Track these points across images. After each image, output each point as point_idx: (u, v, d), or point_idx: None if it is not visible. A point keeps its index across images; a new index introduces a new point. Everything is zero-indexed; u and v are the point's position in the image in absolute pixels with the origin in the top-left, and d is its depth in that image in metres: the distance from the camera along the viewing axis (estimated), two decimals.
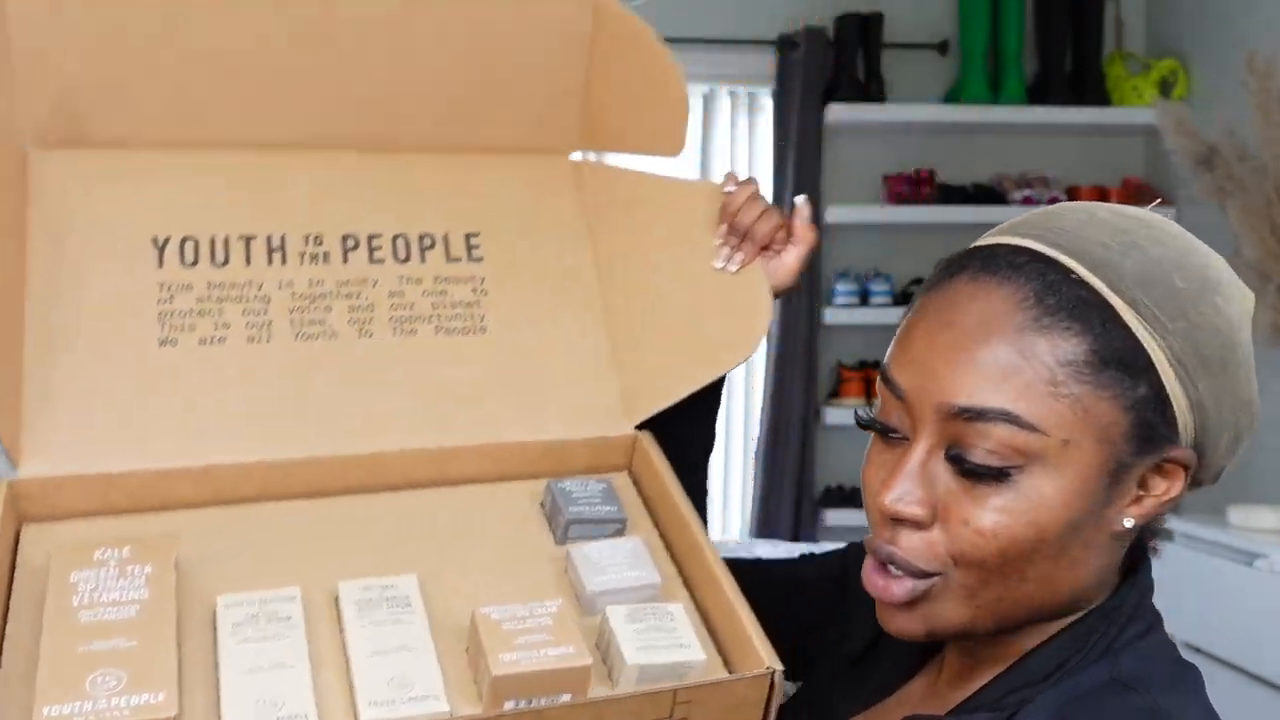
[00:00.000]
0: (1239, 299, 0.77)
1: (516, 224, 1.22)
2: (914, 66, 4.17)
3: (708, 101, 4.15)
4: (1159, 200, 0.86)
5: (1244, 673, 2.78)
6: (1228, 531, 2.94)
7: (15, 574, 0.94)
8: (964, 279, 0.78)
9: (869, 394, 4.02)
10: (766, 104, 4.14)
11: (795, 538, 3.92)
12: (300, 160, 1.16)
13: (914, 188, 4.03)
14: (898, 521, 0.77)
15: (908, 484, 0.76)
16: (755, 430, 4.09)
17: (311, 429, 1.07)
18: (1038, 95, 4.07)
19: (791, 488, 3.99)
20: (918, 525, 0.76)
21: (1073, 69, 4.11)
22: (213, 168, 1.14)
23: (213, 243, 1.11)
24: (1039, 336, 0.72)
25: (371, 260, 1.15)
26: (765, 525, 3.99)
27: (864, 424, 0.82)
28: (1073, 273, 0.73)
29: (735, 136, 4.14)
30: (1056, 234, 0.76)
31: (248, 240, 1.12)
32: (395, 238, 1.17)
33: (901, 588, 0.77)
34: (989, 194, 4.07)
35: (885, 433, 0.80)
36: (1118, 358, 0.72)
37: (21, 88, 1.06)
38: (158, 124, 1.12)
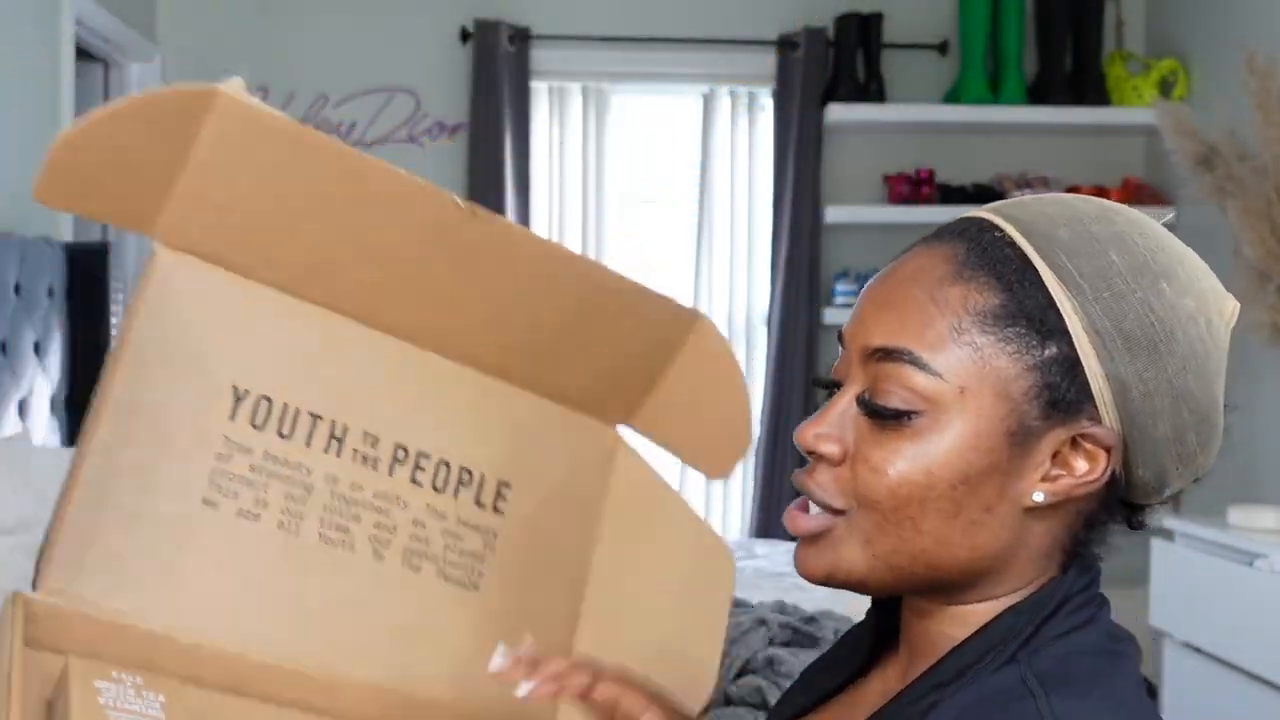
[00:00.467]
0: (1201, 297, 0.75)
1: (547, 488, 1.24)
2: (914, 67, 4.17)
3: (708, 101, 4.15)
4: (1169, 215, 0.85)
5: (1244, 673, 2.78)
6: (1228, 532, 2.94)
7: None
8: (915, 248, 0.80)
9: None
10: (767, 104, 4.15)
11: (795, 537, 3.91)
12: (392, 349, 1.17)
13: (914, 188, 4.03)
14: (816, 459, 0.78)
15: (827, 423, 0.78)
16: (755, 430, 4.09)
17: (298, 637, 1.09)
18: (1038, 95, 4.07)
19: (791, 488, 3.98)
20: (831, 462, 0.78)
21: (1073, 69, 4.11)
22: (313, 327, 1.14)
23: (284, 411, 1.12)
24: (955, 286, 0.74)
25: (413, 480, 1.17)
26: (765, 525, 3.99)
27: (817, 382, 0.83)
28: (1005, 235, 0.75)
29: (735, 136, 4.14)
30: (1012, 207, 0.78)
31: (315, 420, 1.13)
32: (440, 463, 1.19)
33: (808, 521, 0.79)
34: (989, 194, 4.07)
35: (831, 387, 0.81)
36: (1027, 314, 0.72)
37: (179, 189, 1.04)
38: (284, 269, 1.12)
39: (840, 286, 4.02)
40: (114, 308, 3.02)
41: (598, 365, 1.23)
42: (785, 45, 4.07)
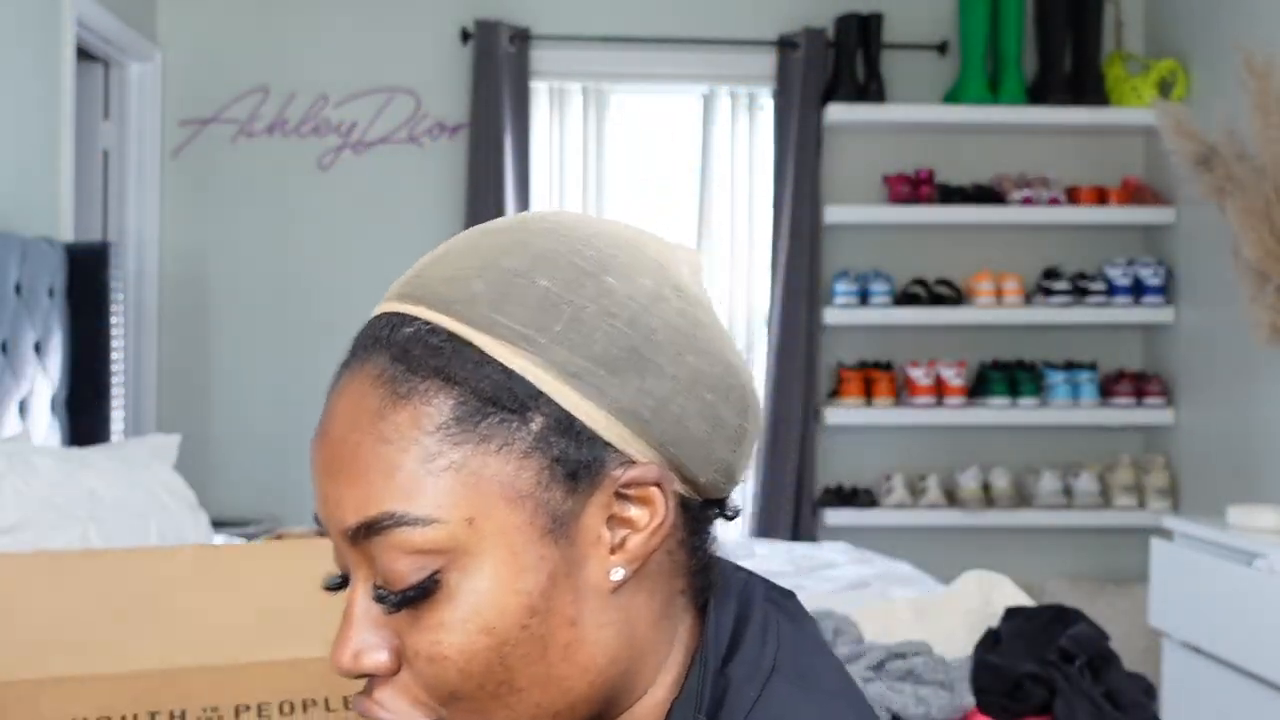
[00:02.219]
0: (656, 269, 0.66)
1: None
2: (914, 67, 4.17)
3: (708, 102, 4.15)
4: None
5: (1243, 672, 2.79)
6: (1227, 531, 2.94)
7: None
8: (343, 377, 0.65)
9: (869, 394, 4.03)
10: (766, 104, 4.15)
11: (795, 537, 3.92)
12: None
13: (914, 188, 4.03)
14: (364, 677, 0.64)
15: (358, 634, 0.63)
16: None
17: None
18: (1037, 96, 4.08)
19: (791, 487, 4.00)
20: (387, 673, 0.63)
21: (1072, 69, 4.11)
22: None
23: None
24: (399, 412, 0.61)
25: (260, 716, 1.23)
26: (765, 525, 3.99)
27: (328, 587, 0.68)
28: (423, 321, 0.62)
29: (735, 137, 4.15)
30: (414, 284, 0.65)
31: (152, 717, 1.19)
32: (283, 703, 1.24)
33: None
34: (989, 194, 4.08)
35: (340, 586, 0.67)
36: (492, 399, 0.61)
37: None
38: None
39: (840, 286, 4.02)
40: (114, 308, 3.02)
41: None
42: (785, 45, 4.08)
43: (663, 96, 4.35)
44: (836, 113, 4.00)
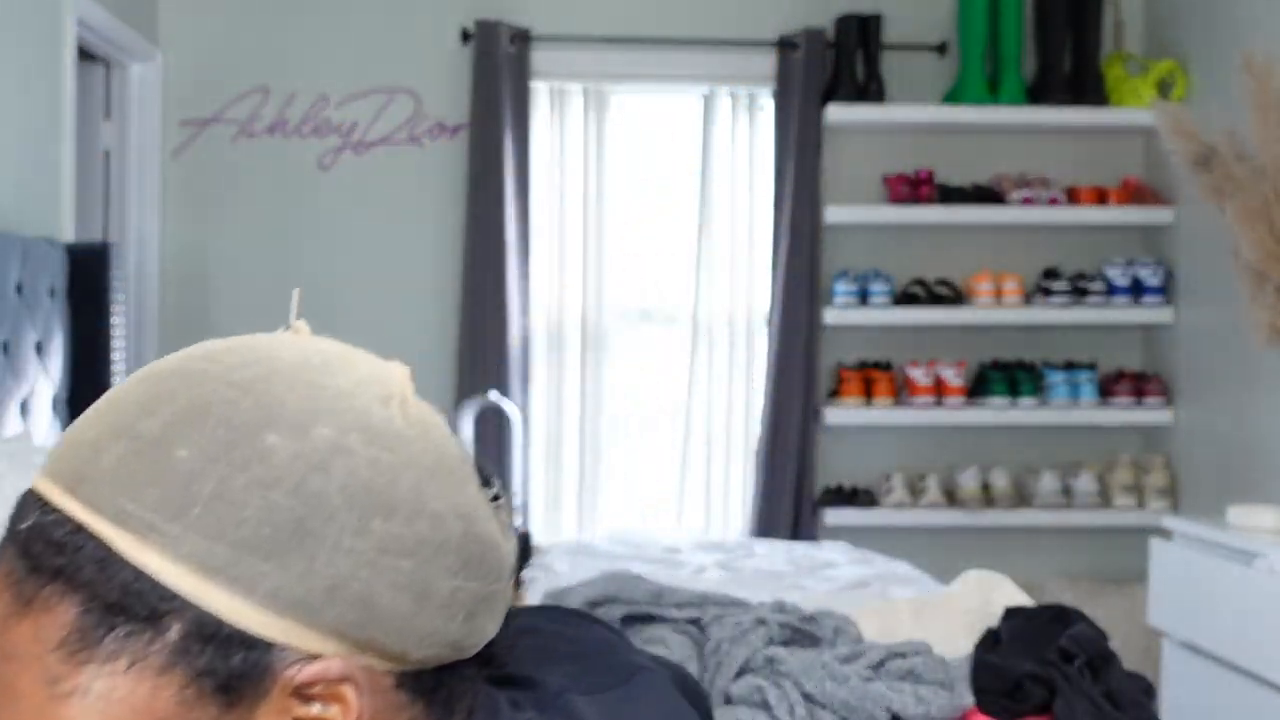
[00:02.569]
0: (336, 414, 0.53)
1: None
2: (913, 67, 4.18)
3: (708, 102, 4.15)
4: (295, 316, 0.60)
5: (1243, 672, 2.79)
6: (1227, 531, 2.94)
7: None
8: None
9: (869, 394, 4.03)
10: (767, 104, 4.15)
11: (795, 537, 3.92)
12: None
13: (913, 188, 4.04)
14: None
15: None
16: (755, 430, 4.09)
17: None
18: (1037, 96, 4.08)
19: (791, 487, 4.00)
20: None
21: (1072, 70, 4.11)
22: None
23: None
24: (21, 623, 0.51)
25: None
26: (765, 525, 3.99)
27: None
28: (50, 507, 0.52)
29: (735, 137, 4.15)
30: (59, 449, 0.55)
31: None
32: None
33: None
34: (988, 194, 4.08)
35: None
36: (120, 606, 0.50)
37: None
38: None
39: (840, 286, 4.02)
40: (115, 308, 3.02)
41: None
42: (785, 46, 4.08)
43: (663, 97, 4.35)
44: (836, 113, 4.01)
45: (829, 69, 4.09)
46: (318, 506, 0.51)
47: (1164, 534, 3.27)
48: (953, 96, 4.09)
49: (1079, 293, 4.04)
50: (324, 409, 0.53)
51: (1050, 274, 4.07)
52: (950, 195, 4.05)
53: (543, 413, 4.13)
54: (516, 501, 3.98)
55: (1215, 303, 3.74)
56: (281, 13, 4.08)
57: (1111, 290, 4.03)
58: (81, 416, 0.56)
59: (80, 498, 0.51)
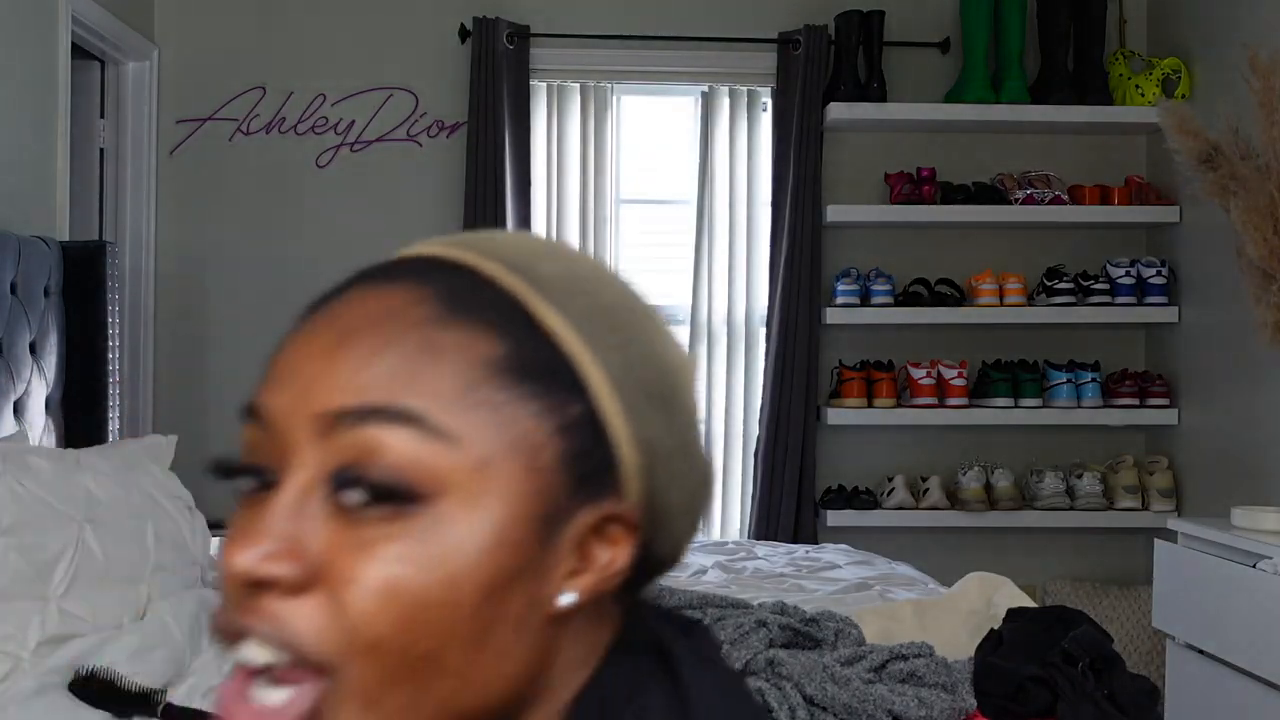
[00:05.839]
0: (676, 344, 0.64)
1: None
2: (915, 65, 4.16)
3: (708, 101, 4.13)
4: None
5: (1247, 674, 2.77)
6: (1231, 533, 2.92)
7: None
8: (353, 290, 0.60)
9: (870, 394, 4.01)
10: (767, 103, 4.13)
11: (796, 539, 3.90)
12: None
13: (915, 187, 4.02)
14: (260, 588, 0.53)
15: (270, 533, 0.53)
16: (755, 430, 4.07)
17: None
18: (1039, 94, 4.06)
19: (792, 488, 3.98)
20: (289, 590, 0.53)
21: (1075, 67, 4.09)
22: None
23: None
24: (451, 330, 0.56)
25: None
26: (765, 526, 3.97)
27: (223, 473, 0.59)
28: (482, 273, 0.59)
29: (735, 136, 4.13)
30: (467, 241, 0.62)
31: None
32: None
33: (277, 712, 0.53)
34: (990, 193, 4.06)
35: (248, 475, 0.58)
36: (543, 366, 0.57)
37: None
38: None
39: (841, 286, 4.00)
40: (110, 307, 3.01)
41: None
42: (786, 44, 4.06)
43: (663, 95, 4.33)
44: (837, 111, 3.99)
45: (830, 66, 4.07)
46: (674, 392, 0.61)
47: (1168, 535, 3.25)
48: (955, 94, 4.07)
49: (1082, 292, 4.02)
50: (671, 340, 0.64)
51: (1053, 273, 4.05)
52: (952, 194, 4.03)
53: None
54: None
55: (1219, 302, 3.72)
56: (278, 10, 4.06)
57: (1115, 290, 4.01)
58: (476, 235, 0.63)
59: (520, 277, 0.59)
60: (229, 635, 0.54)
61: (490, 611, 0.54)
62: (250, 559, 0.53)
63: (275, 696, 0.53)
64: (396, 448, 0.53)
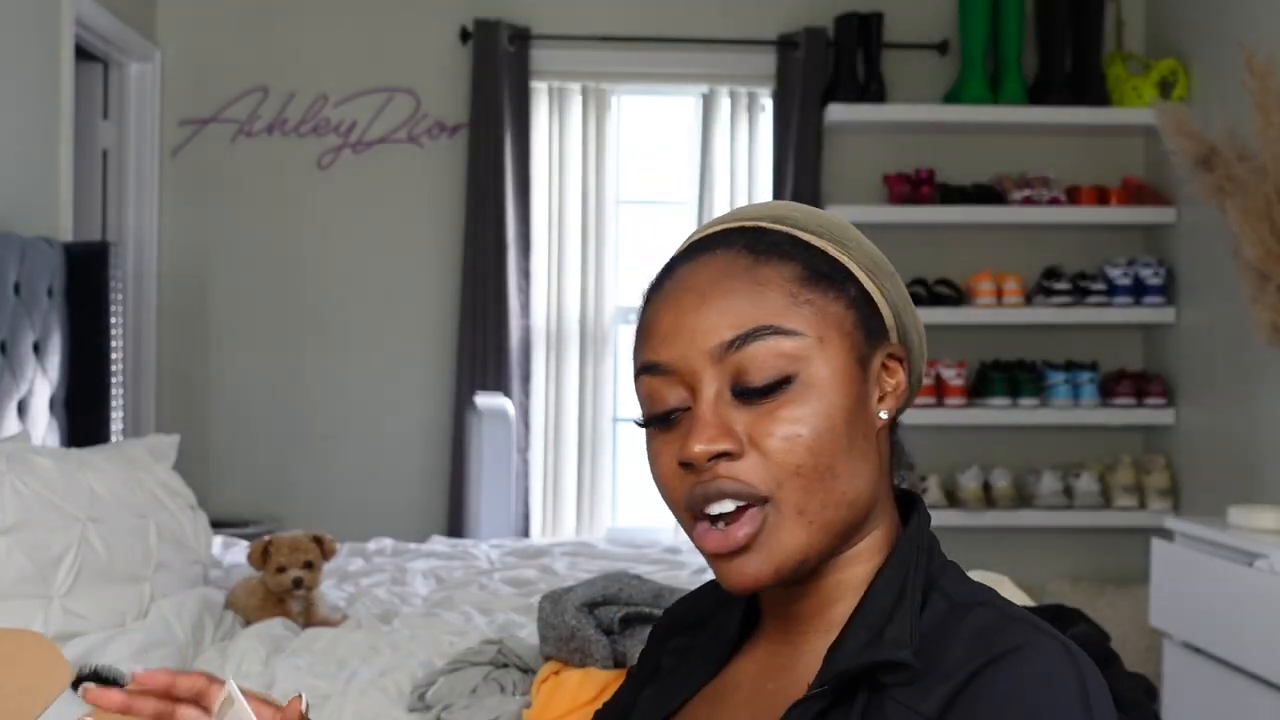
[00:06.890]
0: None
1: None
2: (914, 66, 4.17)
3: (708, 101, 4.15)
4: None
5: (1244, 673, 2.78)
6: (1228, 532, 2.94)
7: None
8: (681, 269, 0.87)
9: None
10: (767, 104, 4.14)
11: None
12: None
13: (914, 188, 4.03)
14: (714, 461, 0.81)
15: (708, 429, 0.81)
16: None
17: None
18: (1038, 95, 4.07)
19: None
20: (732, 457, 0.81)
21: (1073, 69, 4.10)
22: None
23: None
24: (763, 268, 0.84)
25: None
26: None
27: (644, 422, 0.86)
28: (763, 228, 0.87)
29: (735, 137, 4.14)
30: (739, 214, 0.90)
31: None
32: None
33: (740, 529, 0.81)
34: (989, 194, 4.07)
35: (666, 419, 0.85)
36: (825, 271, 0.85)
37: None
38: None
39: None
40: (113, 308, 3.02)
41: None
42: (785, 45, 4.07)
43: (663, 96, 4.35)
44: (837, 112, 4.00)
45: (829, 68, 4.08)
46: (889, 270, 0.90)
47: (1165, 534, 3.26)
48: (953, 96, 4.08)
49: (1080, 292, 4.03)
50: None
51: (1051, 274, 4.07)
52: (951, 195, 4.04)
53: (542, 413, 4.12)
54: (516, 503, 3.98)
55: (1217, 302, 3.73)
56: (280, 12, 4.07)
57: (1112, 290, 4.03)
58: (735, 211, 0.92)
59: (786, 225, 0.88)
60: (699, 500, 0.82)
61: (851, 430, 0.83)
62: (703, 444, 0.81)
63: (740, 524, 0.81)
64: (767, 351, 0.82)
